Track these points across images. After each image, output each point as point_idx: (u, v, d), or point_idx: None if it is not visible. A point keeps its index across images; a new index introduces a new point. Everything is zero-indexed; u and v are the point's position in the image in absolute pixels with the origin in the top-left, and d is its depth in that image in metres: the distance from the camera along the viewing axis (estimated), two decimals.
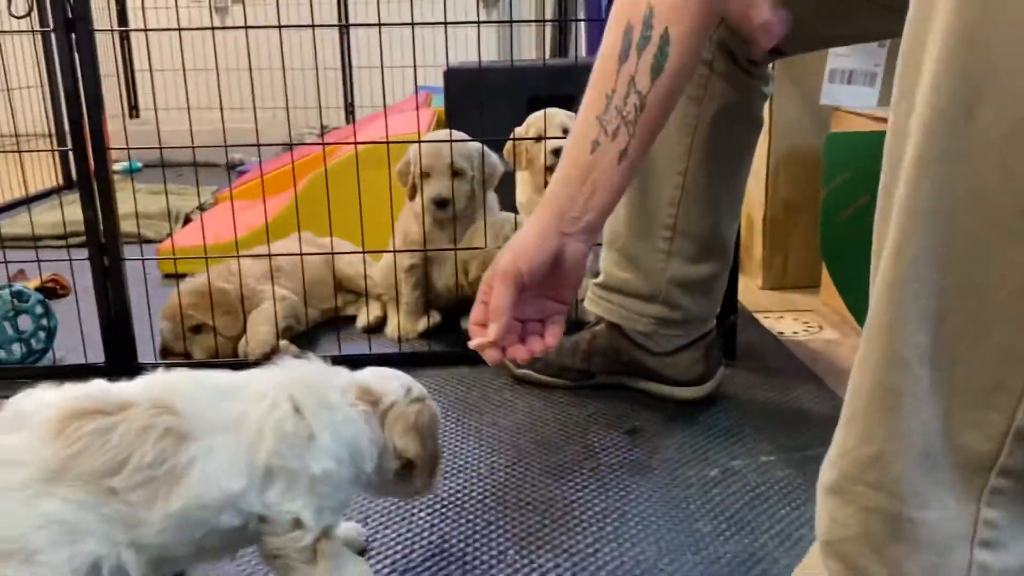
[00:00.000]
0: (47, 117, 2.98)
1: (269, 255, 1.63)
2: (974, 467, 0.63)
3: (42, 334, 1.60)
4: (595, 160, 0.99)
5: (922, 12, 0.59)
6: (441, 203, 1.65)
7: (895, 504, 0.65)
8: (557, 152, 1.89)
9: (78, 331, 1.53)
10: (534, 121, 2.00)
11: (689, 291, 1.34)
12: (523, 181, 2.08)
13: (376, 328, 1.77)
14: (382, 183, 1.56)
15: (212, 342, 1.60)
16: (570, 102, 1.97)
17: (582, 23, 3.20)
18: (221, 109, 1.50)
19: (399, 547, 1.03)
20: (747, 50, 1.25)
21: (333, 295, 1.81)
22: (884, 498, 0.66)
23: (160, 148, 1.50)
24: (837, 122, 1.86)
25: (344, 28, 4.49)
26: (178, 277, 1.68)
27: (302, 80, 2.20)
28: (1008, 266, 0.58)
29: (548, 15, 3.75)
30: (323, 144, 1.65)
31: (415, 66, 1.48)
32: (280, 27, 1.43)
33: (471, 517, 1.09)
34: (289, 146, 1.62)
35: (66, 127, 1.49)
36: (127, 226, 1.62)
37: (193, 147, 1.46)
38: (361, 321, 1.78)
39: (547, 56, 3.36)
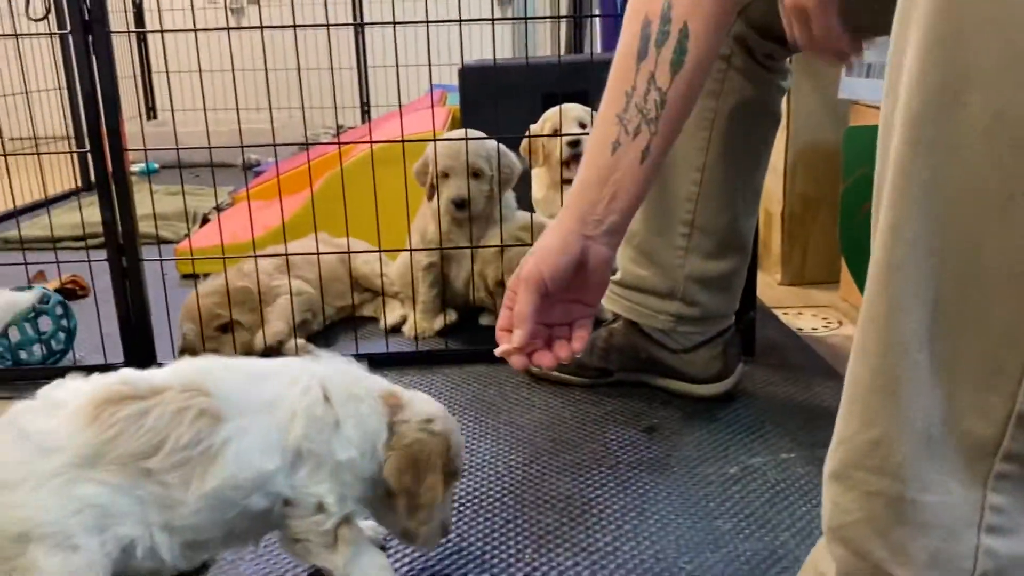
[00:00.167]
0: (65, 120, 3.01)
1: (286, 254, 1.63)
2: (977, 452, 0.63)
3: (62, 335, 1.61)
4: (616, 161, 0.98)
5: (906, 4, 0.59)
6: (460, 204, 1.65)
7: (897, 487, 0.65)
8: (573, 144, 1.88)
9: (97, 331, 1.54)
10: (550, 116, 1.99)
11: (707, 287, 1.34)
12: (539, 178, 2.08)
13: (398, 327, 1.78)
14: (398, 182, 1.56)
15: (242, 339, 1.61)
16: (585, 98, 1.97)
17: (597, 19, 3.19)
18: (237, 110, 1.50)
19: None
20: (765, 44, 1.24)
21: (348, 293, 1.81)
22: (886, 482, 0.66)
23: (177, 149, 1.50)
24: (856, 116, 1.84)
25: (359, 27, 4.50)
26: (196, 277, 1.69)
27: (318, 80, 2.21)
28: (1001, 249, 0.58)
29: (563, 11, 3.73)
30: (339, 143, 1.65)
31: (430, 64, 1.48)
32: (295, 27, 1.43)
33: (489, 515, 1.09)
34: (305, 146, 1.62)
35: (84, 129, 1.49)
36: (145, 227, 1.64)
37: (210, 147, 1.47)
38: (387, 321, 1.78)
39: (562, 53, 3.35)
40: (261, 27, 1.44)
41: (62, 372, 0.84)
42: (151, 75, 4.63)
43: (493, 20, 1.57)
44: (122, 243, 1.52)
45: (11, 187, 1.55)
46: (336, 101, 1.65)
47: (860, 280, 1.62)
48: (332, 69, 1.54)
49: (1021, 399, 0.60)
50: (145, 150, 1.48)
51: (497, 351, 1.01)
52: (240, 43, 1.57)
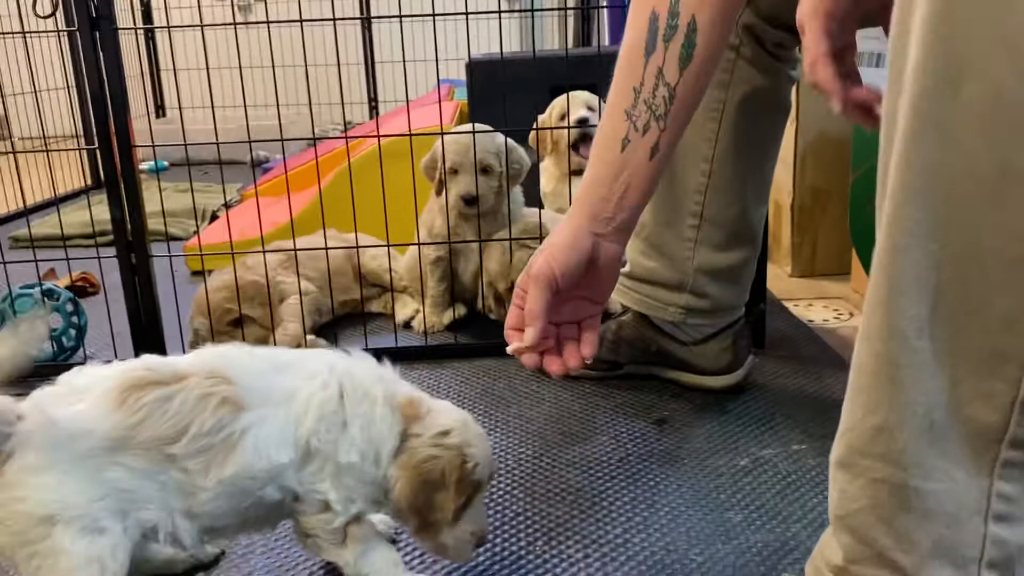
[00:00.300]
0: (75, 119, 3.01)
1: (295, 249, 1.63)
2: (983, 439, 0.63)
3: (73, 332, 1.62)
4: (626, 158, 0.98)
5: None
6: (470, 201, 1.65)
7: (900, 475, 0.65)
8: (582, 122, 1.88)
9: (108, 328, 1.55)
10: (558, 102, 1.99)
11: (717, 279, 1.33)
12: (547, 171, 2.07)
13: (410, 322, 1.78)
14: (406, 177, 1.56)
15: (256, 334, 1.61)
16: (593, 91, 1.96)
17: (605, 11, 3.18)
18: (245, 107, 1.50)
19: None
20: (774, 34, 1.23)
21: (352, 287, 1.81)
22: (890, 469, 0.66)
23: (185, 145, 1.50)
24: None
25: (366, 22, 4.50)
26: (205, 274, 1.69)
27: (325, 76, 2.21)
28: (1001, 234, 0.58)
29: (570, 4, 3.72)
30: (346, 137, 1.65)
31: (437, 59, 1.47)
32: (301, 21, 1.43)
33: (499, 508, 1.09)
34: (312, 140, 1.62)
35: (93, 127, 1.50)
36: (154, 224, 1.64)
37: (218, 143, 1.47)
38: (400, 316, 1.78)
39: (570, 45, 3.34)
40: (268, 22, 1.44)
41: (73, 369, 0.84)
42: (160, 73, 4.64)
43: (500, 13, 1.56)
44: (131, 240, 1.53)
45: (21, 186, 1.56)
46: (344, 97, 1.64)
47: None
48: (339, 65, 1.54)
49: None
50: (153, 146, 1.47)
51: (509, 349, 1.01)
52: (247, 40, 1.57)
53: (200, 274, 1.84)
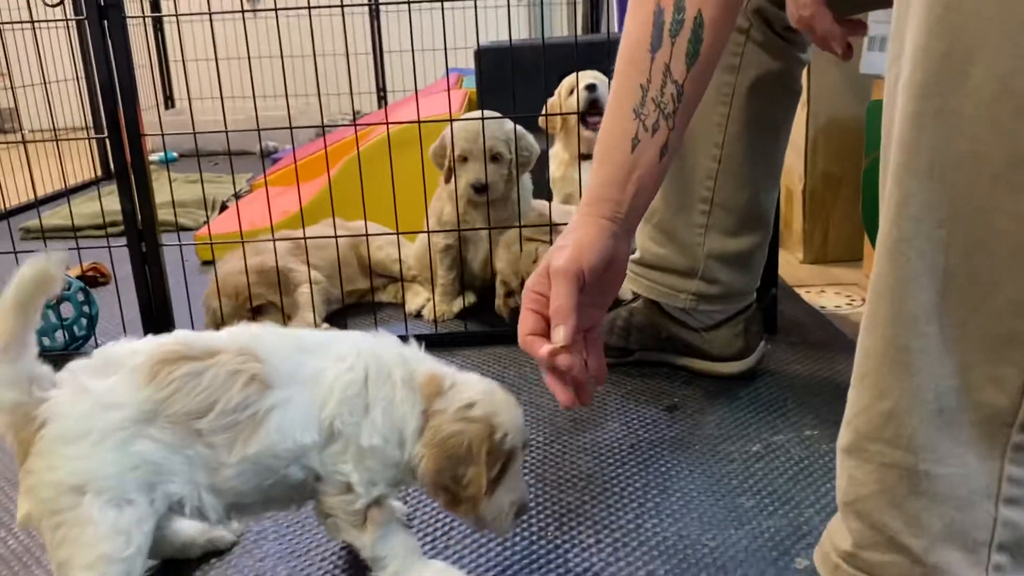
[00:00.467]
0: (84, 110, 3.02)
1: (304, 238, 1.63)
2: (994, 423, 0.63)
3: (84, 321, 1.62)
4: (636, 159, 0.96)
5: None
6: (480, 188, 1.64)
7: (910, 459, 0.65)
8: (590, 88, 1.88)
9: (119, 317, 1.55)
10: (567, 80, 2.00)
11: (728, 265, 1.32)
12: (556, 156, 2.07)
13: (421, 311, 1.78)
14: (415, 165, 1.55)
15: (273, 320, 1.62)
16: None
17: None
18: (254, 97, 1.50)
19: (439, 523, 1.02)
20: (784, 16, 1.22)
21: (357, 277, 1.81)
22: (900, 454, 0.66)
23: (194, 133, 1.50)
24: (879, 90, 1.81)
25: (374, 10, 4.49)
26: (215, 264, 1.70)
27: (333, 66, 2.20)
28: (1008, 218, 0.58)
29: None
30: (355, 125, 1.65)
31: (445, 48, 1.47)
32: (310, 8, 1.42)
33: None
34: (321, 128, 1.62)
35: (102, 117, 1.50)
36: (164, 215, 1.65)
37: (227, 132, 1.47)
38: (411, 305, 1.78)
39: (579, 33, 3.33)
40: (276, 9, 1.44)
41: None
42: (168, 64, 4.65)
43: (508, 0, 1.55)
44: (142, 230, 1.53)
45: (32, 178, 1.56)
46: (352, 87, 1.64)
47: None
48: (348, 54, 1.53)
49: None
50: (163, 135, 1.48)
51: (543, 350, 0.91)
52: (256, 30, 1.57)
53: (211, 263, 1.84)
